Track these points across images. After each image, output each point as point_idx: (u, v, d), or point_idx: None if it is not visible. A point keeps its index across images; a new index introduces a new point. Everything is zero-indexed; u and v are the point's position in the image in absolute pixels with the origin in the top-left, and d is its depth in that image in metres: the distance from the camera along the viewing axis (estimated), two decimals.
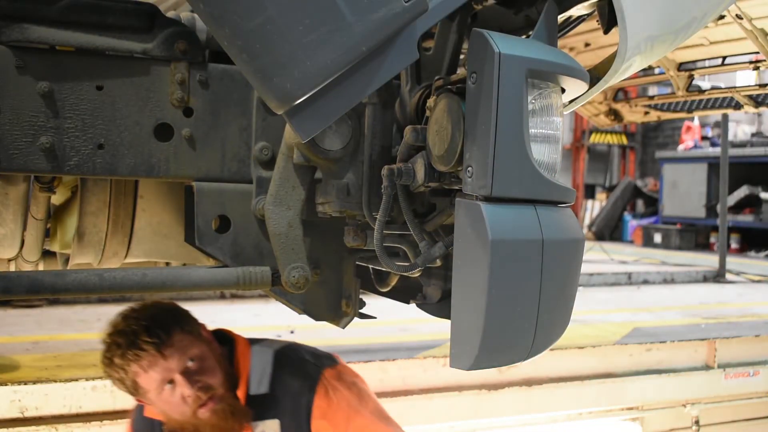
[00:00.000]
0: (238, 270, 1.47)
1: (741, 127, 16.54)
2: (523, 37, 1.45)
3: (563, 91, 1.26)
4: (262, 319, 5.21)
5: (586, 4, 1.40)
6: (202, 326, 1.99)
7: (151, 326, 1.86)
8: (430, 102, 1.28)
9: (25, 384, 3.08)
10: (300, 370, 2.05)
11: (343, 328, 1.71)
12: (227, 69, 1.50)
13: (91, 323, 4.90)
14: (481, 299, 1.13)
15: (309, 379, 2.02)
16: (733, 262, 11.01)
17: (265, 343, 2.11)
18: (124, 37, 1.41)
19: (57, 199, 1.91)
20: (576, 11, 1.47)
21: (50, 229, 1.95)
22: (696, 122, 16.01)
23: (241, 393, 1.97)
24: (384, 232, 1.33)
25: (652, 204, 16.95)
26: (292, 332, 4.72)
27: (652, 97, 4.10)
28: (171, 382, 1.86)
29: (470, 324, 1.16)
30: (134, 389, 1.92)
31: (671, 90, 3.74)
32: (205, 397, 1.86)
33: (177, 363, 1.86)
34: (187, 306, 1.99)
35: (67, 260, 1.90)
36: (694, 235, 15.26)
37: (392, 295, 1.75)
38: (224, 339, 2.07)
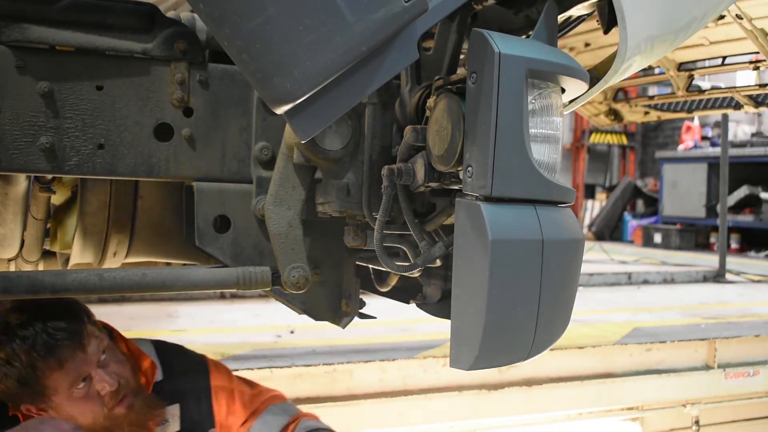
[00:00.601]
0: (238, 270, 1.47)
1: (741, 127, 16.54)
2: (523, 37, 1.45)
3: (563, 91, 1.26)
4: (262, 319, 5.21)
5: (586, 4, 1.40)
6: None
7: (60, 317, 1.70)
8: (430, 102, 1.28)
9: None
10: (185, 355, 2.05)
11: (343, 328, 1.71)
12: (227, 69, 1.50)
13: None
14: (481, 299, 1.13)
15: (197, 361, 2.05)
16: (733, 262, 11.00)
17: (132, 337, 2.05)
18: (124, 37, 1.41)
19: (57, 199, 1.91)
20: (576, 11, 1.47)
21: (50, 229, 1.95)
22: (696, 122, 16.00)
23: (144, 382, 1.88)
24: (384, 232, 1.33)
25: (652, 204, 16.95)
26: (292, 332, 4.72)
27: (652, 97, 4.10)
28: (85, 379, 1.72)
29: (470, 324, 1.16)
30: (32, 393, 1.69)
31: (671, 90, 3.74)
32: (122, 393, 1.74)
33: (94, 356, 1.73)
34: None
35: (67, 260, 1.90)
36: (694, 235, 15.25)
37: (392, 295, 1.75)
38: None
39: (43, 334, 1.67)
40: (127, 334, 2.03)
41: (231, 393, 2.03)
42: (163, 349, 2.04)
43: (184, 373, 1.97)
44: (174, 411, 1.91)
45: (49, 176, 1.71)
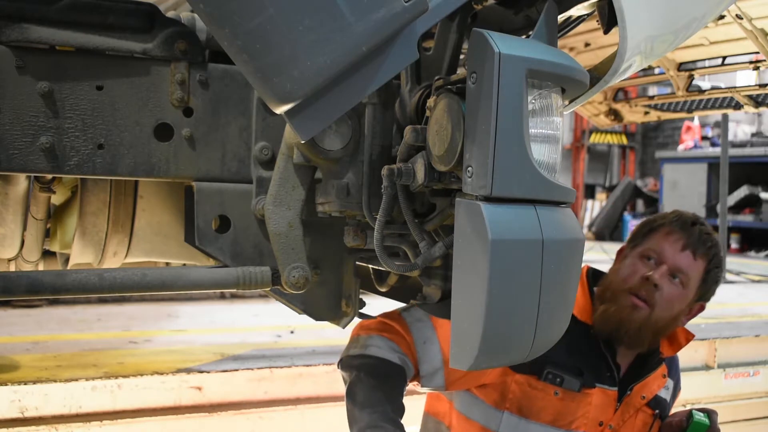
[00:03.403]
0: (238, 270, 1.47)
1: (741, 127, 16.54)
2: (523, 37, 1.45)
3: (563, 91, 1.26)
4: (262, 319, 5.21)
5: (586, 4, 1.40)
6: None
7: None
8: (430, 102, 1.28)
9: (25, 384, 3.08)
10: None
11: (343, 328, 1.71)
12: (227, 69, 1.50)
13: (91, 323, 4.90)
14: (481, 299, 1.13)
15: None
16: (733, 262, 11.00)
17: None
18: (124, 37, 1.41)
19: (57, 199, 1.91)
20: (576, 11, 1.47)
21: (50, 229, 1.95)
22: (696, 122, 16.00)
23: None
24: (384, 232, 1.33)
25: (652, 204, 16.94)
26: (292, 332, 4.72)
27: (652, 97, 4.10)
28: (652, 259, 1.96)
29: (470, 324, 1.16)
30: (635, 238, 2.03)
31: (671, 90, 3.74)
32: None
33: (676, 264, 1.96)
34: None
35: (67, 260, 1.90)
36: None
37: (392, 295, 1.75)
38: None
39: (695, 231, 1.98)
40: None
41: None
42: None
43: None
44: None
45: (49, 176, 1.70)
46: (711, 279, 1.99)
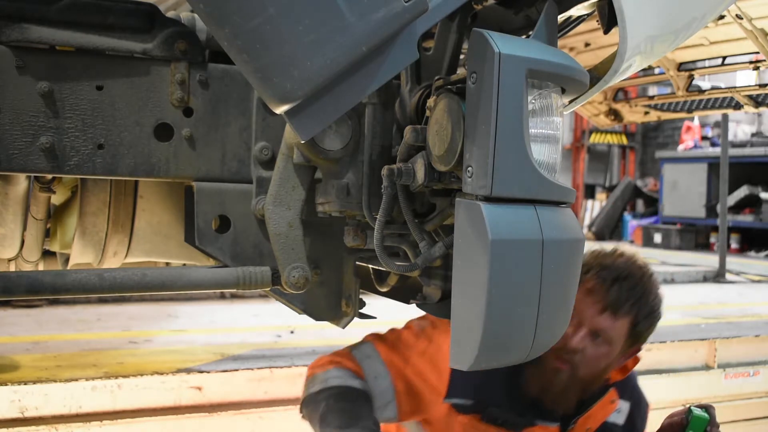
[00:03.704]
0: (238, 270, 1.47)
1: (741, 127, 16.53)
2: (523, 37, 1.45)
3: (563, 91, 1.26)
4: (262, 319, 5.21)
5: (586, 4, 1.40)
6: None
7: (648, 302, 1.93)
8: (430, 102, 1.28)
9: (25, 384, 3.08)
10: None
11: (343, 328, 1.71)
12: (227, 69, 1.50)
13: (91, 323, 4.90)
14: (481, 299, 1.13)
15: None
16: (733, 262, 11.00)
17: None
18: (124, 37, 1.41)
19: (57, 199, 1.91)
20: (576, 11, 1.47)
21: (50, 229, 1.95)
22: (696, 122, 15.99)
23: None
24: (384, 232, 1.33)
25: (652, 204, 16.94)
26: (292, 332, 4.72)
27: (652, 97, 4.10)
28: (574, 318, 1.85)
29: (470, 324, 1.16)
30: None
31: (671, 90, 3.74)
32: None
33: (593, 324, 1.89)
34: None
35: (67, 260, 1.90)
36: (694, 235, 15.24)
37: (392, 295, 1.75)
38: None
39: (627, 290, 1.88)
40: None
41: None
42: None
43: None
44: None
45: (49, 176, 1.70)
46: (641, 330, 1.93)
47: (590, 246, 1.88)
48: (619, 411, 2.04)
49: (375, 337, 2.02)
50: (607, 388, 2.00)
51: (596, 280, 1.88)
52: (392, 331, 2.05)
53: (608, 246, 2.07)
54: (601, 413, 1.99)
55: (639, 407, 2.11)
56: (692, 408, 1.98)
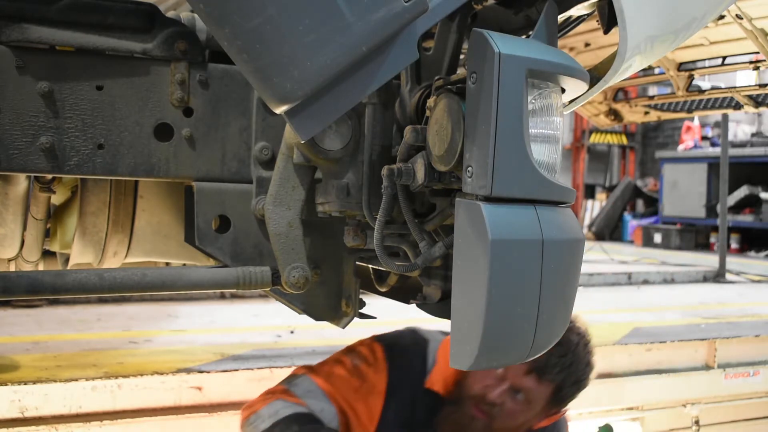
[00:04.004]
0: (238, 270, 1.47)
1: (741, 127, 16.53)
2: (523, 37, 1.45)
3: (563, 91, 1.26)
4: (262, 319, 5.20)
5: (586, 4, 1.40)
6: None
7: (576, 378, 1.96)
8: (430, 102, 1.28)
9: (25, 384, 3.07)
10: None
11: (343, 328, 1.71)
12: (227, 69, 1.50)
13: (91, 323, 4.89)
14: (481, 299, 1.13)
15: None
16: (733, 262, 10.99)
17: None
18: (124, 37, 1.41)
19: (57, 199, 1.91)
20: (576, 11, 1.47)
21: (50, 229, 1.95)
22: (696, 122, 15.99)
23: None
24: (384, 232, 1.33)
25: (652, 204, 16.93)
26: (292, 332, 4.72)
27: (652, 97, 4.10)
28: (505, 383, 1.87)
29: (470, 324, 1.16)
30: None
31: (671, 90, 3.74)
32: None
33: (518, 382, 1.89)
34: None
35: (67, 260, 1.90)
36: (694, 235, 15.24)
37: (392, 295, 1.75)
38: None
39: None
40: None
41: None
42: None
43: None
44: None
45: (49, 176, 1.70)
46: (563, 396, 1.93)
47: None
48: None
49: (309, 370, 2.00)
50: None
51: None
52: (323, 364, 2.02)
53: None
54: None
55: None
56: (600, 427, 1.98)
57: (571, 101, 1.49)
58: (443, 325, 1.31)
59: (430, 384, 1.91)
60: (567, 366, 1.90)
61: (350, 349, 2.00)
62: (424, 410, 1.90)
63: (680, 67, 3.58)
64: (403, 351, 1.94)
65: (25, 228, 1.83)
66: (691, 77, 3.60)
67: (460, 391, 1.91)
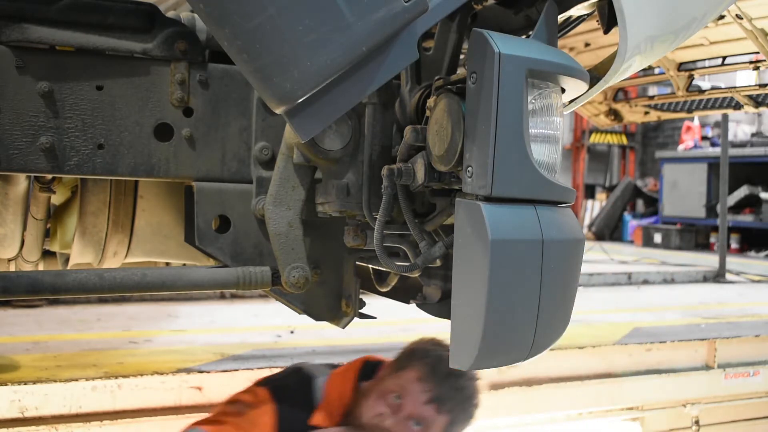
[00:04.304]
0: (238, 270, 1.47)
1: (741, 127, 16.52)
2: (523, 37, 1.45)
3: (563, 91, 1.26)
4: (262, 319, 5.20)
5: (586, 4, 1.40)
6: None
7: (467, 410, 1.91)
8: (430, 102, 1.28)
9: (25, 384, 3.07)
10: None
11: (343, 328, 1.71)
12: (227, 69, 1.50)
13: (91, 323, 4.89)
14: (481, 299, 1.13)
15: None
16: (733, 262, 10.98)
17: None
18: (124, 37, 1.41)
19: (57, 199, 1.91)
20: (576, 11, 1.47)
21: (50, 229, 1.95)
22: (696, 122, 15.98)
23: None
24: (384, 232, 1.33)
25: (652, 204, 16.93)
26: (292, 332, 4.72)
27: (652, 97, 4.10)
28: (400, 398, 1.84)
29: (470, 324, 1.16)
30: (391, 369, 1.90)
31: (671, 90, 3.74)
32: None
33: (418, 412, 1.85)
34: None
35: (67, 260, 1.90)
36: (694, 235, 15.23)
37: (392, 295, 1.75)
38: None
39: (453, 380, 1.86)
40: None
41: None
42: None
43: None
44: None
45: (49, 176, 1.71)
46: (455, 430, 1.92)
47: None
48: None
49: (198, 423, 1.98)
50: None
51: (430, 369, 1.88)
52: (211, 416, 2.00)
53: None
54: None
55: None
56: None
57: (571, 101, 1.49)
58: (443, 325, 1.31)
59: (316, 421, 1.91)
60: (463, 400, 1.92)
61: (234, 400, 1.99)
62: None
63: (680, 67, 3.58)
64: (288, 390, 1.93)
65: (25, 228, 1.83)
66: (691, 77, 3.60)
67: (350, 421, 1.89)
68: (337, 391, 1.94)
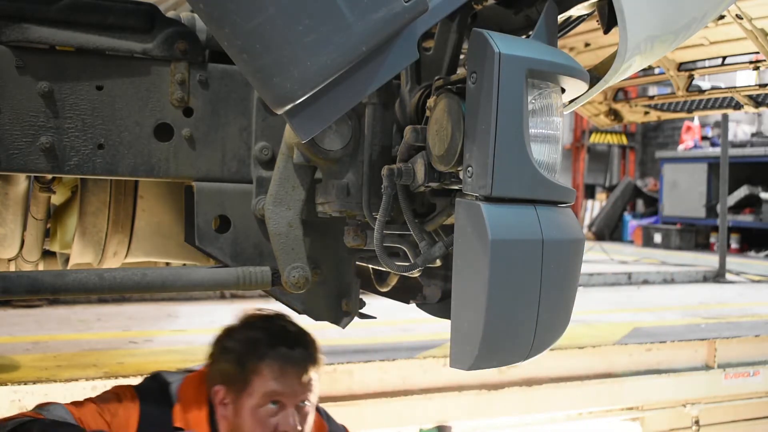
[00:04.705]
0: (238, 270, 1.47)
1: (741, 127, 16.53)
2: (523, 37, 1.45)
3: (563, 91, 1.26)
4: None
5: (586, 4, 1.40)
6: None
7: (307, 346, 1.84)
8: (430, 102, 1.28)
9: (25, 384, 3.07)
10: None
11: (343, 328, 1.71)
12: (227, 69, 1.50)
13: (91, 323, 4.89)
14: (481, 299, 1.13)
15: None
16: (733, 262, 10.99)
17: None
18: (124, 37, 1.41)
19: (57, 199, 1.91)
20: (576, 11, 1.47)
21: (50, 229, 1.95)
22: (696, 122, 15.99)
23: None
24: (384, 232, 1.33)
25: (652, 204, 16.93)
26: None
27: (652, 97, 4.10)
28: (277, 404, 1.79)
29: (470, 324, 1.16)
30: (236, 379, 1.80)
31: (671, 90, 3.74)
32: None
33: (302, 395, 1.81)
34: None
35: (67, 260, 1.90)
36: (694, 235, 15.24)
37: (392, 295, 1.75)
38: None
39: (289, 342, 1.79)
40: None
41: None
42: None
43: None
44: None
45: (49, 176, 1.71)
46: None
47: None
48: None
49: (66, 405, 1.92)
50: None
51: (285, 358, 1.81)
52: (76, 401, 1.95)
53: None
54: None
55: None
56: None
57: (571, 101, 1.49)
58: (443, 325, 1.31)
59: (175, 422, 1.91)
60: (313, 341, 1.92)
61: (101, 394, 1.99)
62: None
63: (680, 67, 3.58)
64: (151, 391, 1.92)
65: (25, 228, 1.83)
66: (691, 77, 3.60)
67: None
68: (191, 393, 1.91)
